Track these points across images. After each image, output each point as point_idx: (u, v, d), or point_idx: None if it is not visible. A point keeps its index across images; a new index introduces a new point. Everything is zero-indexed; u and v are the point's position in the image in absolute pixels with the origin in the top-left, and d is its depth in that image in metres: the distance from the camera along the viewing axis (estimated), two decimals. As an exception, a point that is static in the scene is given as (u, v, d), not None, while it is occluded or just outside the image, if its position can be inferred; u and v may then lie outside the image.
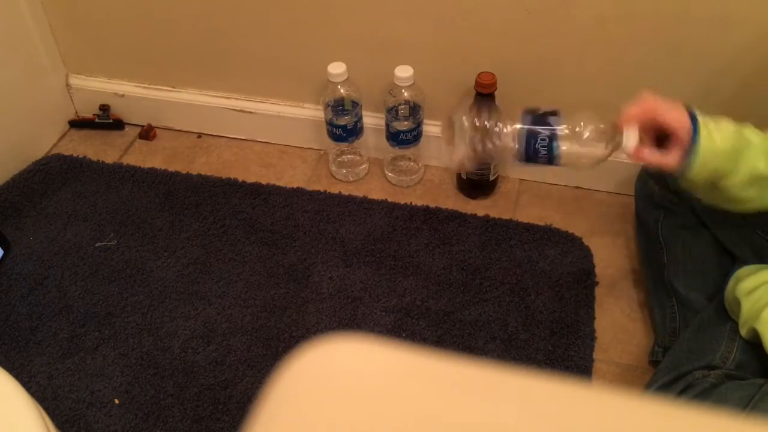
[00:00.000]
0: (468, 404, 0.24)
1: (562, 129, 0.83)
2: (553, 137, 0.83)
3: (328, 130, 1.31)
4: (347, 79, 1.23)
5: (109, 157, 1.44)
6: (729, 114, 1.18)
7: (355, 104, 1.27)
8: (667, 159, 0.80)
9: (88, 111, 1.51)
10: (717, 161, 0.79)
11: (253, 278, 1.18)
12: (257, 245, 1.23)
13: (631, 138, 0.81)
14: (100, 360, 1.08)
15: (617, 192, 1.31)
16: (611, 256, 1.22)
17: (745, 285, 0.89)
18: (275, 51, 1.31)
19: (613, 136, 0.83)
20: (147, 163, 1.41)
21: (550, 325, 1.10)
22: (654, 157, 0.81)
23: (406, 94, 1.23)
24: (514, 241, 1.22)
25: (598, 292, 1.16)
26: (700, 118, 0.80)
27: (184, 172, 1.38)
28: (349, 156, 1.37)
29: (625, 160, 1.25)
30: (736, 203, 0.85)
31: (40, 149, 1.45)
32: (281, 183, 1.35)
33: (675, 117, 0.80)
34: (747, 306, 0.87)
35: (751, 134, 0.81)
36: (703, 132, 0.78)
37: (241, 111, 1.42)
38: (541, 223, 1.26)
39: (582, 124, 0.83)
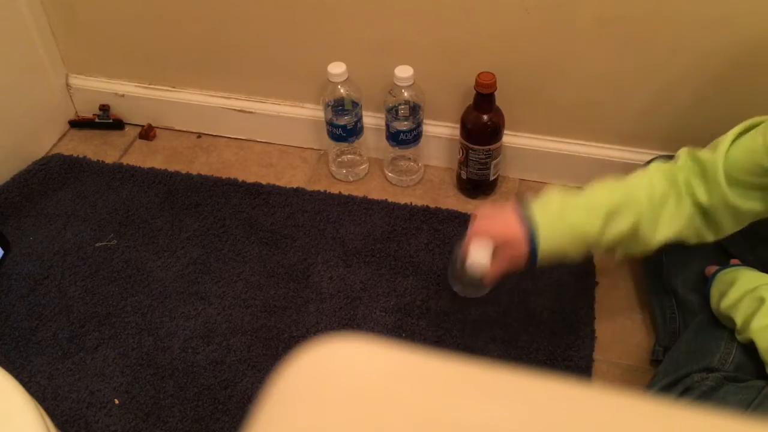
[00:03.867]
0: (468, 404, 0.24)
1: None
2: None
3: (328, 130, 1.31)
4: (347, 79, 1.23)
5: (109, 157, 1.44)
6: (730, 115, 1.18)
7: (355, 104, 1.27)
8: (513, 266, 0.88)
9: (88, 111, 1.51)
10: (569, 237, 0.86)
11: (253, 278, 1.18)
12: (257, 245, 1.23)
13: (478, 257, 0.88)
14: (100, 360, 1.08)
15: (617, 192, 1.31)
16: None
17: (728, 300, 0.90)
18: (275, 51, 1.31)
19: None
20: (147, 163, 1.41)
21: (550, 325, 1.10)
22: (502, 269, 0.89)
23: (406, 94, 1.23)
24: (514, 241, 1.22)
25: (598, 292, 1.16)
26: (535, 208, 0.87)
27: (184, 172, 1.38)
28: (349, 156, 1.37)
29: (626, 160, 1.26)
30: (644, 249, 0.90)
31: (40, 149, 1.45)
32: (281, 183, 1.36)
33: (506, 230, 0.87)
34: (739, 318, 0.88)
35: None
36: (538, 218, 0.86)
37: (241, 111, 1.42)
38: (541, 223, 1.25)
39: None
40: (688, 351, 0.94)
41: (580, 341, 1.08)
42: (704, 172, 0.86)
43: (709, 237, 0.89)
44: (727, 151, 0.84)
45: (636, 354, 1.09)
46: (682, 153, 0.90)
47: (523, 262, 0.88)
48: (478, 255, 0.88)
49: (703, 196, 0.86)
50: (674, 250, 1.08)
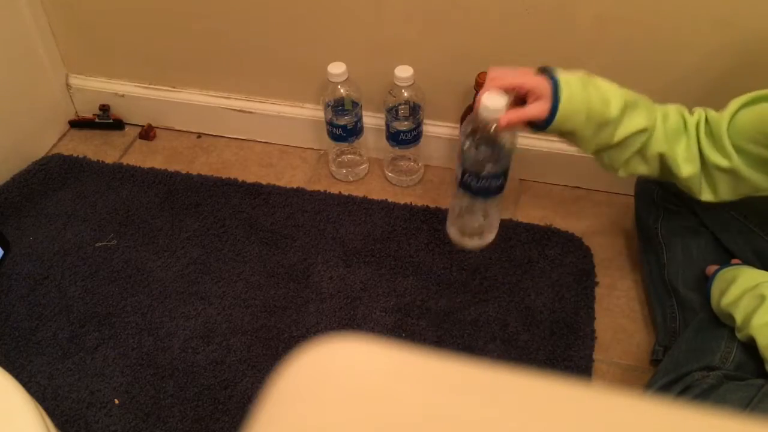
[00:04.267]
0: (468, 404, 0.24)
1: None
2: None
3: (328, 130, 1.31)
4: (347, 79, 1.23)
5: (109, 157, 1.44)
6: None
7: (355, 104, 1.27)
8: (531, 109, 0.80)
9: (88, 111, 1.51)
10: (589, 106, 0.79)
11: (253, 278, 1.18)
12: (257, 245, 1.23)
13: (496, 102, 0.79)
14: (100, 360, 1.08)
15: (617, 192, 1.31)
16: (611, 256, 1.22)
17: (729, 298, 0.89)
18: (275, 51, 1.31)
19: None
20: (147, 163, 1.41)
21: (550, 325, 1.10)
22: (518, 113, 0.80)
23: (406, 94, 1.23)
24: (514, 241, 1.22)
25: (598, 292, 1.16)
26: (561, 70, 0.81)
27: (184, 172, 1.38)
28: (349, 156, 1.37)
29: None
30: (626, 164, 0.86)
31: (40, 149, 1.45)
32: (281, 183, 1.36)
33: (526, 77, 0.80)
34: (739, 316, 0.88)
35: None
36: (563, 75, 0.79)
37: (241, 111, 1.42)
38: (541, 223, 1.26)
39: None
40: (688, 350, 0.95)
41: (580, 341, 1.08)
42: (711, 131, 0.84)
43: (705, 195, 0.86)
44: (732, 116, 0.82)
45: (636, 354, 1.09)
46: (696, 108, 0.87)
47: (542, 115, 0.80)
48: (492, 99, 0.79)
49: (709, 151, 0.83)
50: (675, 249, 1.08)
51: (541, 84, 0.79)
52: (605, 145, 0.84)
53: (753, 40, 1.07)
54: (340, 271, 1.19)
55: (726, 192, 0.85)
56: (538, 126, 0.82)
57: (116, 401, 1.03)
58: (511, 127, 0.81)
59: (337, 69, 1.21)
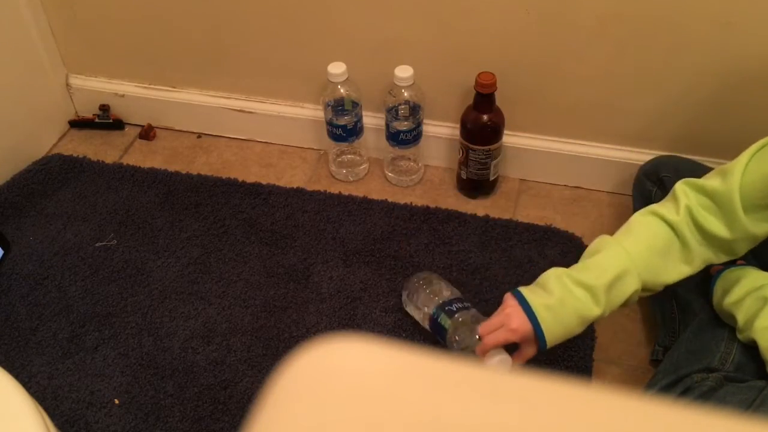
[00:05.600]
0: (468, 404, 0.24)
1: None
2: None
3: (328, 130, 1.31)
4: (347, 79, 1.23)
5: (109, 157, 1.44)
6: (732, 114, 1.18)
7: (355, 104, 1.27)
8: (525, 355, 0.91)
9: (88, 111, 1.51)
10: (574, 321, 0.87)
11: (253, 278, 1.18)
12: (257, 245, 1.23)
13: (502, 362, 0.92)
14: (100, 360, 1.08)
15: (617, 192, 1.31)
16: (611, 256, 1.21)
17: (732, 298, 0.89)
18: (275, 51, 1.31)
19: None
20: (147, 163, 1.41)
21: (550, 325, 1.10)
22: (520, 359, 0.92)
23: (406, 94, 1.23)
24: (514, 241, 1.22)
25: (598, 292, 1.16)
26: (532, 301, 0.88)
27: (184, 172, 1.38)
28: (349, 156, 1.37)
29: (625, 160, 1.26)
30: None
31: (40, 149, 1.45)
32: (281, 183, 1.35)
33: (519, 332, 0.88)
34: (741, 317, 0.87)
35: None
36: (540, 312, 0.87)
37: (241, 111, 1.42)
38: (541, 223, 1.25)
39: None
40: (688, 351, 0.94)
41: (580, 341, 1.08)
42: (717, 204, 0.83)
43: (723, 260, 0.89)
44: (741, 177, 0.81)
45: (636, 354, 1.09)
46: (681, 189, 0.86)
47: (534, 352, 0.91)
48: (502, 361, 0.92)
49: (719, 230, 0.83)
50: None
51: (527, 332, 0.87)
52: (603, 317, 0.88)
53: (755, 41, 1.07)
54: (340, 271, 1.19)
55: (744, 248, 0.87)
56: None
57: (116, 401, 1.03)
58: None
59: (337, 69, 1.21)
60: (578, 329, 0.88)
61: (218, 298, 1.16)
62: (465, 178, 1.30)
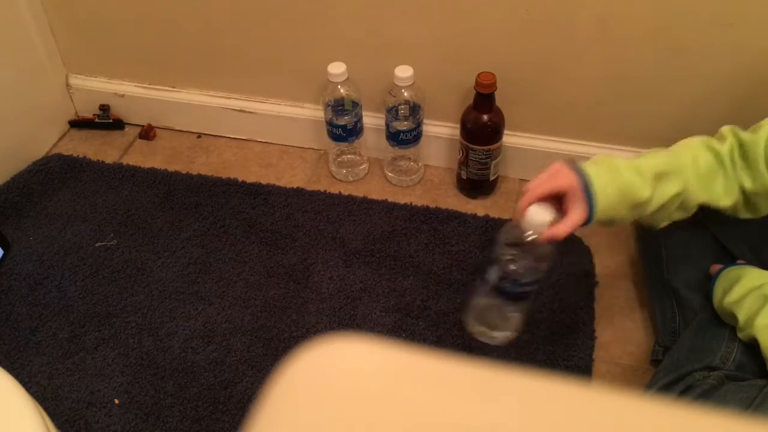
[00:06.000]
0: (468, 404, 0.24)
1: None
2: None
3: (328, 130, 1.31)
4: (347, 79, 1.23)
5: (109, 157, 1.44)
6: (733, 114, 1.18)
7: (355, 104, 1.27)
8: (573, 218, 0.82)
9: (88, 111, 1.51)
10: (622, 194, 0.82)
11: (253, 278, 1.18)
12: (257, 245, 1.23)
13: (542, 216, 0.82)
14: (100, 360, 1.08)
15: (617, 192, 1.31)
16: (611, 256, 1.22)
17: (733, 296, 0.89)
18: (275, 51, 1.31)
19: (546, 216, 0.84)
20: (147, 163, 1.41)
21: (550, 325, 1.10)
22: (563, 226, 0.82)
23: (406, 94, 1.23)
24: (514, 241, 1.22)
25: (598, 292, 1.16)
26: (587, 164, 0.83)
27: (184, 172, 1.38)
28: (349, 156, 1.37)
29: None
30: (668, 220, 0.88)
31: (40, 149, 1.45)
32: (281, 183, 1.36)
33: (559, 181, 0.82)
34: (742, 315, 0.88)
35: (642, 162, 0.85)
36: (592, 172, 0.82)
37: (241, 111, 1.42)
38: (541, 223, 1.25)
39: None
40: (689, 349, 0.94)
41: (580, 341, 1.08)
42: (746, 154, 0.85)
43: (745, 215, 0.88)
44: None
45: (636, 354, 1.09)
46: (727, 131, 0.88)
47: (582, 220, 0.82)
48: (539, 213, 0.82)
49: (746, 181, 0.85)
50: (675, 249, 1.08)
51: (574, 185, 0.81)
52: (642, 217, 0.86)
53: (755, 41, 1.07)
54: (339, 271, 1.19)
55: (766, 208, 0.87)
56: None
57: (116, 401, 1.03)
58: (558, 237, 0.83)
59: (337, 69, 1.21)
60: (625, 212, 0.83)
61: (218, 298, 1.16)
62: (465, 178, 1.30)
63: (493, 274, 0.93)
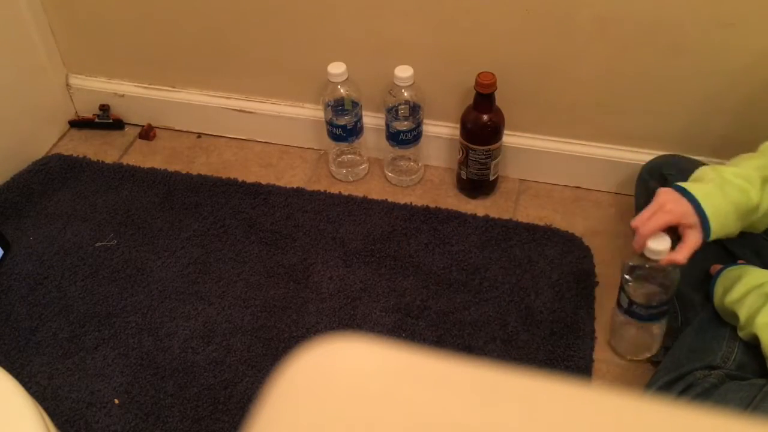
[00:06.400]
0: (468, 404, 0.24)
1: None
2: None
3: (328, 130, 1.31)
4: (347, 79, 1.23)
5: (109, 157, 1.44)
6: (733, 113, 1.18)
7: (355, 104, 1.27)
8: (690, 243, 0.86)
9: (88, 111, 1.51)
10: (734, 207, 0.84)
11: (253, 278, 1.18)
12: (257, 245, 1.23)
13: (661, 245, 0.87)
14: (100, 360, 1.08)
15: (617, 192, 1.31)
16: (611, 256, 1.22)
17: (734, 295, 0.89)
18: (275, 51, 1.31)
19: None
20: (147, 163, 1.41)
21: (550, 325, 1.10)
22: (684, 251, 0.86)
23: (406, 94, 1.23)
24: (514, 241, 1.22)
25: (598, 292, 1.16)
26: (693, 185, 0.86)
27: (184, 172, 1.38)
28: (349, 156, 1.37)
29: (625, 160, 1.26)
30: None
31: (40, 149, 1.45)
32: (281, 183, 1.35)
33: (671, 215, 0.86)
34: (743, 313, 0.87)
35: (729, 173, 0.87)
36: (700, 194, 0.84)
37: (241, 111, 1.42)
38: (541, 223, 1.26)
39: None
40: (690, 349, 0.95)
41: (580, 341, 1.08)
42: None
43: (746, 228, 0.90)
44: None
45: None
46: None
47: (699, 243, 0.86)
48: (657, 242, 0.86)
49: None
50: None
51: (687, 213, 0.84)
52: (752, 221, 0.88)
53: (755, 40, 1.07)
54: (339, 271, 1.19)
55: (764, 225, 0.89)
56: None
57: (116, 401, 1.03)
58: (679, 263, 0.87)
59: (337, 69, 1.21)
60: (737, 222, 0.85)
61: (218, 298, 1.16)
62: (465, 178, 1.30)
63: (622, 299, 1.00)
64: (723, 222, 0.84)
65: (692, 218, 0.84)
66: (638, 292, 0.96)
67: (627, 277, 0.96)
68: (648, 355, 1.06)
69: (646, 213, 0.87)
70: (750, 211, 0.85)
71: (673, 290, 0.95)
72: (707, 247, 1.05)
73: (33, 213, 1.30)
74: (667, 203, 0.85)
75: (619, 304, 1.01)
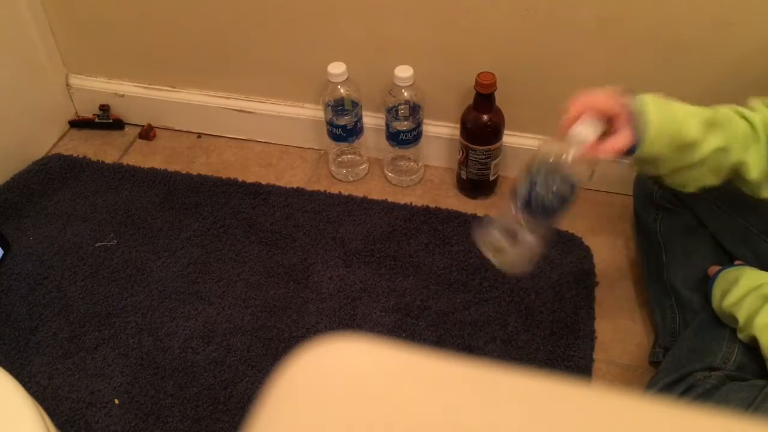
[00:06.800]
0: (468, 404, 0.24)
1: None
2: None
3: (328, 130, 1.31)
4: (347, 79, 1.23)
5: (109, 157, 1.44)
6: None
7: (355, 104, 1.27)
8: (619, 140, 0.77)
9: (88, 111, 1.51)
10: (673, 129, 0.78)
11: (253, 278, 1.18)
12: (257, 245, 1.23)
13: (584, 131, 0.77)
14: (100, 360, 1.08)
15: (617, 192, 1.31)
16: (611, 256, 1.22)
17: (732, 298, 0.89)
18: (275, 51, 1.31)
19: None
20: (147, 163, 1.41)
21: (550, 325, 1.10)
22: (608, 146, 0.78)
23: (406, 94, 1.23)
24: (514, 241, 1.22)
25: (598, 292, 1.16)
26: (643, 94, 0.79)
27: (184, 172, 1.38)
28: (349, 156, 1.37)
29: (624, 160, 1.25)
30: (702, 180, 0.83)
31: (40, 149, 1.45)
32: (281, 183, 1.36)
33: (611, 101, 0.78)
34: (742, 315, 0.87)
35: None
36: (647, 100, 0.78)
37: (241, 111, 1.42)
38: (541, 223, 1.25)
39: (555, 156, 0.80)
40: (690, 349, 0.95)
41: (580, 341, 1.08)
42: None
43: (765, 194, 0.84)
44: None
45: (636, 354, 1.09)
46: (757, 103, 0.85)
47: (628, 144, 0.78)
48: (587, 127, 0.76)
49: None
50: (674, 249, 1.08)
51: (626, 107, 0.78)
52: (684, 166, 0.81)
53: (755, 40, 1.07)
54: (340, 271, 1.19)
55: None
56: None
57: (116, 401, 1.03)
58: (598, 157, 0.79)
59: (337, 69, 1.21)
60: (669, 152, 0.78)
61: (218, 298, 1.16)
62: (465, 178, 1.30)
63: (520, 192, 0.84)
64: (657, 136, 0.77)
65: (630, 116, 0.77)
66: (537, 187, 0.82)
67: (532, 169, 0.82)
68: (504, 257, 0.90)
69: (588, 93, 0.79)
70: (687, 145, 0.79)
71: (572, 199, 0.83)
72: (705, 246, 1.05)
73: (33, 213, 1.30)
74: (613, 93, 0.79)
75: (512, 197, 0.85)
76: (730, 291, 0.90)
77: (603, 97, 0.78)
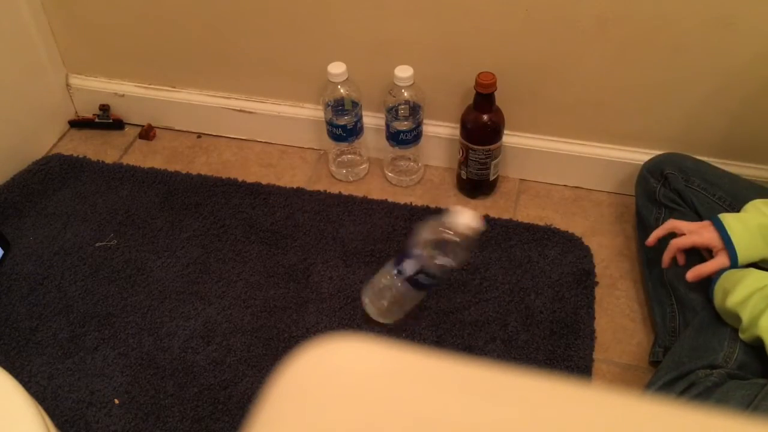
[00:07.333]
0: (468, 404, 0.24)
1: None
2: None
3: (328, 130, 1.31)
4: (347, 79, 1.23)
5: (109, 157, 1.44)
6: (732, 113, 1.18)
7: (355, 104, 1.27)
8: (718, 261, 0.95)
9: (88, 111, 1.51)
10: (755, 235, 0.93)
11: (253, 278, 1.18)
12: (257, 245, 1.23)
13: (471, 218, 0.86)
14: (100, 360, 1.08)
15: (617, 192, 1.31)
16: (611, 256, 1.22)
17: (736, 297, 0.89)
18: (275, 51, 1.31)
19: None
20: (147, 163, 1.41)
21: (550, 325, 1.10)
22: (709, 265, 0.96)
23: (406, 94, 1.23)
24: (514, 241, 1.22)
25: (598, 292, 1.16)
26: (724, 216, 0.96)
27: (184, 172, 1.38)
28: (349, 156, 1.37)
29: (624, 160, 1.26)
30: None
31: (40, 149, 1.45)
32: (281, 183, 1.35)
33: (704, 237, 0.96)
34: (746, 316, 0.87)
35: None
36: (730, 222, 0.94)
37: (241, 111, 1.42)
38: (541, 223, 1.26)
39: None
40: (691, 348, 0.95)
41: (580, 341, 1.08)
42: None
43: None
44: None
45: (636, 354, 1.09)
46: None
47: (724, 265, 0.94)
48: (475, 219, 0.86)
49: None
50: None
51: (714, 238, 0.95)
52: None
53: (754, 39, 1.07)
54: (340, 271, 1.19)
55: None
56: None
57: (116, 401, 1.03)
58: (698, 278, 0.97)
59: (337, 69, 1.21)
60: (764, 249, 0.93)
61: (218, 298, 1.16)
62: (465, 178, 1.30)
63: (410, 266, 0.91)
64: (747, 245, 0.93)
65: (719, 243, 0.94)
66: (431, 262, 0.89)
67: (427, 246, 0.90)
68: (386, 318, 0.98)
69: (685, 226, 0.99)
70: None
71: (453, 269, 0.91)
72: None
73: (33, 213, 1.30)
74: (704, 228, 0.97)
75: (399, 266, 0.92)
76: (734, 291, 0.90)
77: (690, 239, 0.98)
